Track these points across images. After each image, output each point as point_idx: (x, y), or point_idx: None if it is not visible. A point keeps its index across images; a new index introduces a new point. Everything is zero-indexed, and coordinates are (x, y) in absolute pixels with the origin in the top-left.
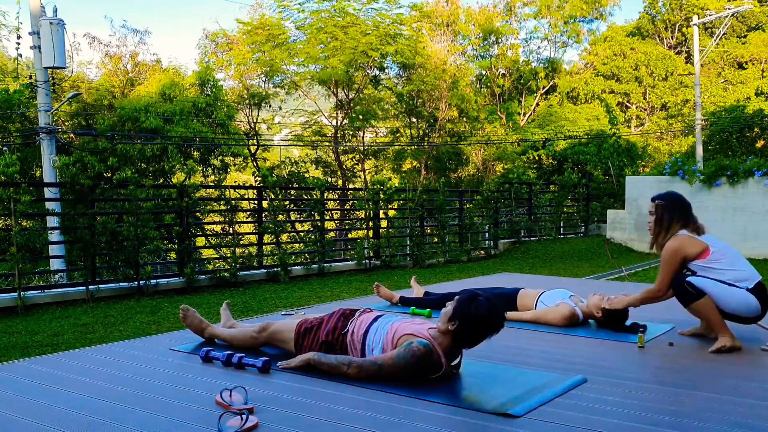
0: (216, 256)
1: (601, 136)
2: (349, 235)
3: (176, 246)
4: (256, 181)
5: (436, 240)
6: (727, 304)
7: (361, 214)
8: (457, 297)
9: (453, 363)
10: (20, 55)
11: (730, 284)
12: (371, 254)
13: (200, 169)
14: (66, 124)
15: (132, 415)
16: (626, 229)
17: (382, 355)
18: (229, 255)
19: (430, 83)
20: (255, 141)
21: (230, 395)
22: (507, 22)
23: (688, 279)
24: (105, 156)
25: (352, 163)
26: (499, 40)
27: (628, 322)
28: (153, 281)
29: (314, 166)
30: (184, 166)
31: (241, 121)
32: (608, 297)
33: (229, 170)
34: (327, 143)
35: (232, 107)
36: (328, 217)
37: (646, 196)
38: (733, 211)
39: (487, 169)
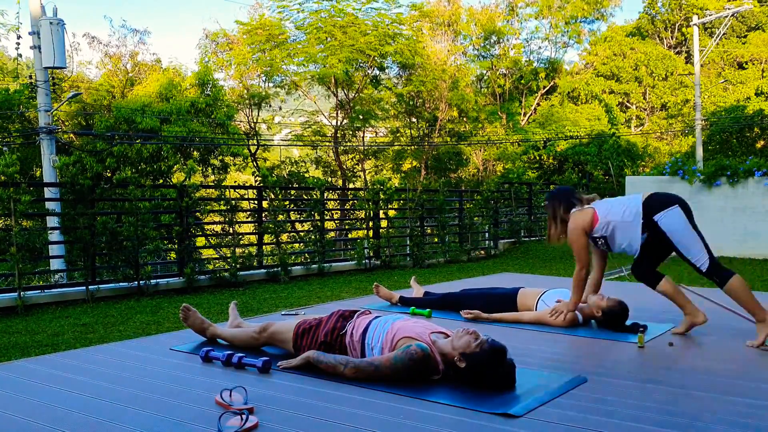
0: (216, 256)
1: (601, 137)
2: (349, 235)
3: (176, 246)
4: (256, 181)
5: (436, 240)
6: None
7: (361, 214)
8: (487, 345)
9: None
10: (20, 55)
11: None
12: (371, 254)
13: (200, 169)
14: (66, 124)
15: (132, 415)
16: None
17: (380, 356)
18: (229, 255)
19: (430, 83)
20: (255, 141)
21: (230, 395)
22: (509, 22)
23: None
24: (103, 157)
25: (352, 163)
26: (501, 40)
27: (628, 322)
28: (153, 281)
29: (314, 166)
30: (184, 166)
31: (241, 121)
32: (607, 297)
33: (229, 170)
34: (327, 143)
35: (231, 107)
36: (328, 217)
37: None
38: (732, 211)
39: (487, 170)
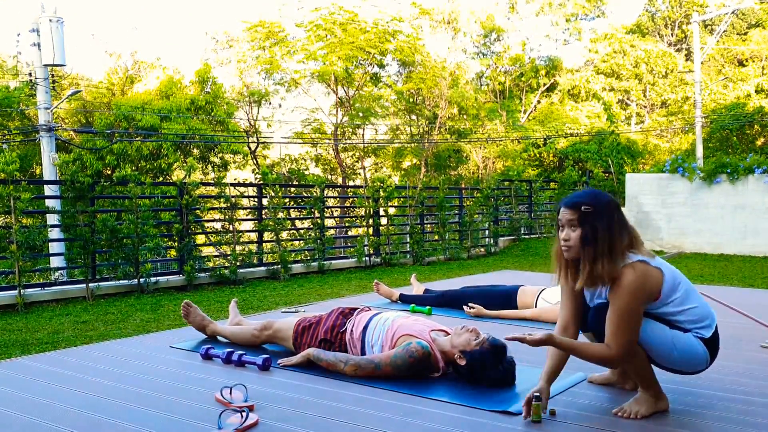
0: (216, 253)
1: (601, 134)
2: (349, 233)
3: (176, 243)
4: (255, 178)
5: (436, 237)
6: (665, 356)
7: (361, 211)
8: (488, 343)
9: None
10: (20, 53)
11: (682, 329)
12: (371, 252)
13: (200, 166)
14: (67, 122)
15: (132, 412)
16: None
17: (380, 354)
18: (229, 252)
19: (430, 81)
20: (255, 138)
21: (230, 393)
22: (509, 19)
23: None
24: (103, 154)
25: (353, 160)
26: (501, 38)
27: None
28: (153, 279)
29: (314, 163)
30: (184, 164)
31: (241, 119)
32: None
33: (229, 168)
34: (327, 141)
35: (231, 105)
36: (328, 215)
37: (646, 193)
38: (733, 209)
39: (487, 167)
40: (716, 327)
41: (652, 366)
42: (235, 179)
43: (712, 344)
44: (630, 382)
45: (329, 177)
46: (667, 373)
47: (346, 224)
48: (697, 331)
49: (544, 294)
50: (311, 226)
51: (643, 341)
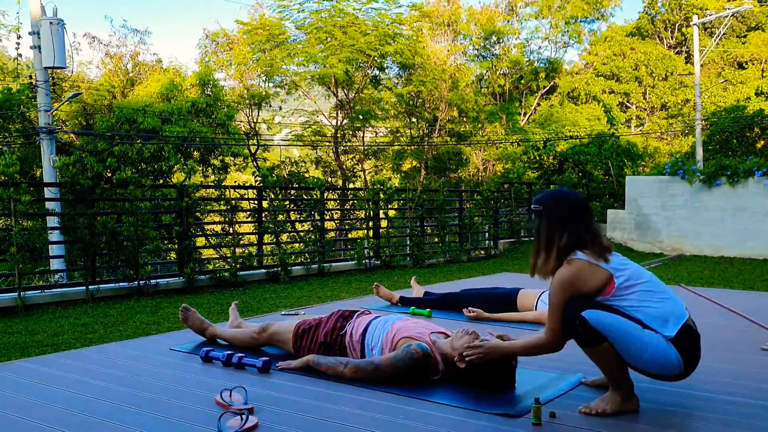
0: (216, 256)
1: (601, 137)
2: (349, 235)
3: (176, 246)
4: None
5: (436, 240)
6: (635, 356)
7: (361, 214)
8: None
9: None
10: (20, 55)
11: (642, 324)
12: (371, 254)
13: (200, 169)
14: (68, 124)
15: (132, 415)
16: (626, 229)
17: (380, 356)
18: (229, 255)
19: (430, 83)
20: (255, 141)
21: (230, 395)
22: (508, 22)
23: (583, 314)
24: (103, 157)
25: (352, 163)
26: (501, 40)
27: None
28: (153, 281)
29: (314, 166)
30: (184, 166)
31: (241, 121)
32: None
33: (229, 170)
34: (327, 143)
35: (232, 107)
36: (328, 217)
37: (646, 196)
38: (733, 211)
39: (487, 170)
40: (689, 328)
41: (628, 370)
42: (235, 182)
43: (682, 346)
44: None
45: (329, 179)
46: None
47: (346, 227)
48: (661, 331)
49: (545, 297)
50: (311, 228)
51: (614, 338)
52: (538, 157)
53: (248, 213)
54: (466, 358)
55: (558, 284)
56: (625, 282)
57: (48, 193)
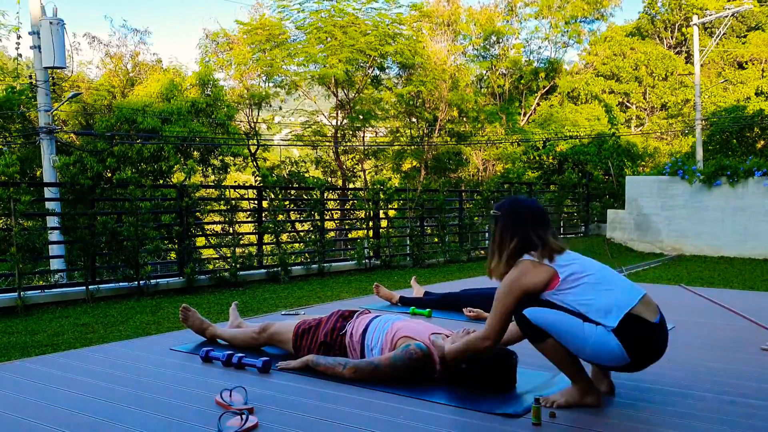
0: (216, 256)
1: (601, 136)
2: (349, 235)
3: (176, 246)
4: (256, 181)
5: (436, 240)
6: (578, 349)
7: (361, 214)
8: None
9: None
10: (20, 55)
11: (586, 318)
12: (371, 254)
13: (200, 169)
14: (68, 124)
15: (132, 415)
16: (626, 229)
17: (379, 356)
18: (229, 255)
19: (430, 83)
20: (255, 141)
21: (230, 395)
22: (508, 22)
23: (524, 312)
24: (103, 156)
25: (352, 163)
26: (500, 41)
27: None
28: (153, 281)
29: (314, 166)
30: (184, 166)
31: (241, 121)
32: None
33: (229, 170)
34: (327, 143)
35: (232, 107)
36: (328, 217)
37: (646, 196)
38: (733, 211)
39: (487, 170)
40: (635, 317)
41: (582, 363)
42: (235, 182)
43: (625, 336)
44: (604, 383)
45: (329, 179)
46: (666, 376)
47: (346, 227)
48: (603, 322)
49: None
50: (311, 228)
51: (555, 333)
52: (537, 157)
53: (248, 213)
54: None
55: (503, 285)
56: (570, 276)
57: (48, 193)
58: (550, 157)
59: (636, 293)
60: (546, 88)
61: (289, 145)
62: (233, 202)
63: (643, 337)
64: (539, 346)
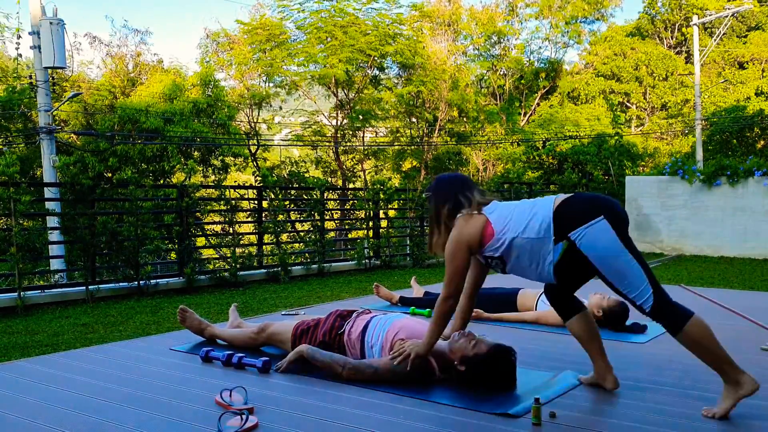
0: (216, 256)
1: (602, 137)
2: (349, 235)
3: (176, 246)
4: (256, 181)
5: None
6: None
7: (361, 214)
8: (485, 346)
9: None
10: (20, 55)
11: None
12: (371, 254)
13: (200, 169)
14: (70, 124)
15: (132, 415)
16: None
17: (379, 359)
18: (229, 255)
19: (431, 83)
20: (255, 141)
21: (230, 395)
22: (509, 22)
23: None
24: (105, 156)
25: (352, 163)
26: (501, 41)
27: (628, 322)
28: (153, 281)
29: (314, 166)
30: (185, 167)
31: (241, 121)
32: (608, 297)
33: (229, 170)
34: (327, 143)
35: (232, 107)
36: (328, 217)
37: (646, 196)
38: (733, 211)
39: (487, 170)
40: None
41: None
42: (235, 182)
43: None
44: (609, 379)
45: (329, 179)
46: (666, 376)
47: (346, 227)
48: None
49: (544, 297)
50: (311, 228)
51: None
52: (537, 157)
53: (248, 213)
54: (394, 362)
55: (448, 247)
56: (499, 217)
57: (48, 193)
58: (550, 157)
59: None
60: (546, 89)
61: (289, 145)
62: (233, 202)
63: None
64: (680, 336)
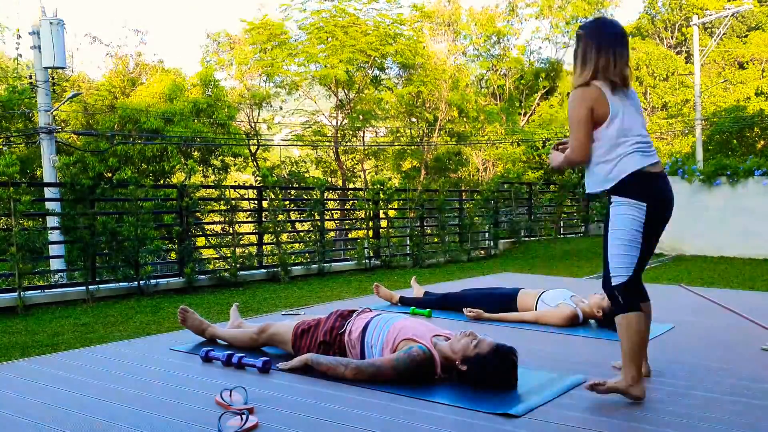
0: (216, 256)
1: None
2: (349, 235)
3: (176, 246)
4: (256, 181)
5: (436, 240)
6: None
7: (361, 214)
8: (487, 346)
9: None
10: (20, 56)
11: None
12: (371, 254)
13: (201, 169)
14: (69, 124)
15: (132, 414)
16: None
17: (381, 357)
18: (229, 255)
19: (431, 83)
20: (255, 141)
21: (230, 395)
22: (509, 22)
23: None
24: (105, 156)
25: (353, 163)
26: (501, 41)
27: None
28: (153, 281)
29: (314, 166)
30: (185, 167)
31: (241, 121)
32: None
33: (229, 170)
34: (327, 143)
35: (233, 107)
36: (328, 217)
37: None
38: (733, 211)
39: (487, 170)
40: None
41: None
42: (235, 182)
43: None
44: (644, 366)
45: (329, 179)
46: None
47: (346, 227)
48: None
49: (544, 297)
50: (311, 228)
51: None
52: (537, 158)
53: (248, 213)
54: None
55: (572, 100)
56: (613, 118)
57: (48, 193)
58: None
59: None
60: (546, 89)
61: (289, 145)
62: (233, 202)
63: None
64: (619, 320)
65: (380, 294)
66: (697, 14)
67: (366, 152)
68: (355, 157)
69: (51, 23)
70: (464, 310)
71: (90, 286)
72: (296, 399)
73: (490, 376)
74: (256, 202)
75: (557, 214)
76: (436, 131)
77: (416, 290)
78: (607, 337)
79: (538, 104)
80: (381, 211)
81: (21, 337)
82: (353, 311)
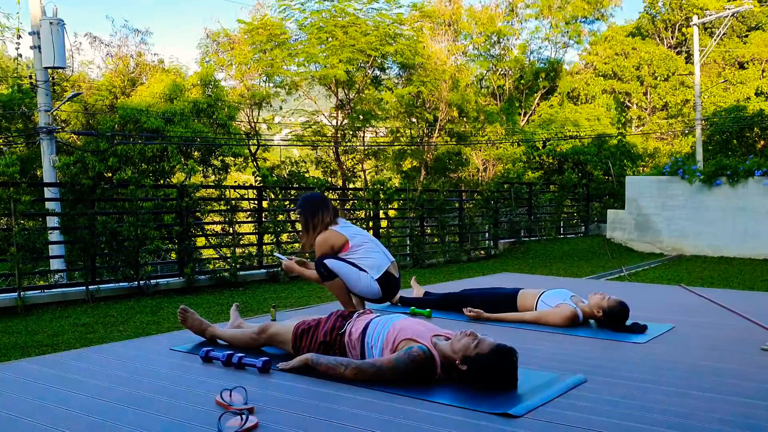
0: (216, 256)
1: (602, 137)
2: None
3: (176, 246)
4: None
5: (436, 240)
6: (354, 286)
7: (362, 214)
8: (487, 346)
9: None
10: (20, 55)
11: (361, 269)
12: None
13: (201, 169)
14: (69, 124)
15: (132, 415)
16: (626, 229)
17: (381, 358)
18: (229, 255)
19: (431, 83)
20: (255, 141)
21: (230, 395)
22: (509, 22)
23: (324, 260)
24: (105, 156)
25: (353, 163)
26: (501, 41)
27: (628, 322)
28: (153, 281)
29: (314, 166)
30: (185, 167)
31: (241, 121)
32: (608, 297)
33: (229, 170)
34: (327, 143)
35: (233, 107)
36: None
37: (647, 196)
38: (733, 211)
39: (487, 170)
40: (388, 273)
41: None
42: (235, 182)
43: (382, 283)
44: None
45: (329, 179)
46: (666, 376)
47: None
48: (371, 274)
49: (544, 297)
50: None
51: (342, 276)
52: (537, 158)
53: (248, 213)
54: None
55: (318, 242)
56: (356, 243)
57: (48, 193)
58: (550, 158)
59: (389, 259)
60: (546, 89)
61: (289, 146)
62: (233, 202)
63: (391, 284)
64: (328, 283)
65: None
66: (697, 14)
67: (366, 152)
68: (355, 157)
69: (51, 23)
70: (464, 310)
71: (90, 286)
72: (297, 399)
73: (490, 376)
74: (256, 202)
75: (557, 215)
76: (436, 131)
77: (416, 290)
78: (606, 337)
79: (538, 104)
80: (381, 211)
81: (21, 337)
82: (353, 311)
